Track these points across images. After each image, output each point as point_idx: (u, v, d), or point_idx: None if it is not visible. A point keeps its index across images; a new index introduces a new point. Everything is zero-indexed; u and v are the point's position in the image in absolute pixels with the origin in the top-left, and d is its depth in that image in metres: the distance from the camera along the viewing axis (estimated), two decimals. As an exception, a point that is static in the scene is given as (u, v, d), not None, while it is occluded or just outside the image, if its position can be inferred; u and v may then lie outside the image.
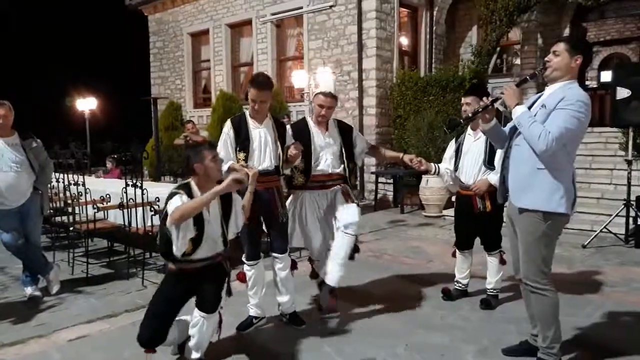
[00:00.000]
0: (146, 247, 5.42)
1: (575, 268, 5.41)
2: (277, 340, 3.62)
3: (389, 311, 4.16)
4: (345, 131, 4.04)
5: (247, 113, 3.69)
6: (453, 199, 8.84)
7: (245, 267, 3.75)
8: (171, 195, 2.96)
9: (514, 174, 3.01)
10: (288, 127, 3.97)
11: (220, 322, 3.25)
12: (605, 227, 6.44)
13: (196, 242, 2.98)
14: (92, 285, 4.97)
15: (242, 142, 3.59)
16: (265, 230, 3.80)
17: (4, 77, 18.13)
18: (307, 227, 3.94)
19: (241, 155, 3.58)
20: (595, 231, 6.53)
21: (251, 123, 3.65)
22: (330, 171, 3.90)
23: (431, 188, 8.77)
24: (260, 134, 3.64)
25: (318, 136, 3.91)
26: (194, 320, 3.12)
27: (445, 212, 8.77)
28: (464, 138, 4.20)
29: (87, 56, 21.05)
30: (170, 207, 2.86)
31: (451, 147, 4.34)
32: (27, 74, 19.88)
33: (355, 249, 3.96)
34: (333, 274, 3.76)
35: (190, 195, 2.97)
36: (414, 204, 9.67)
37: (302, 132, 3.90)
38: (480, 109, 3.08)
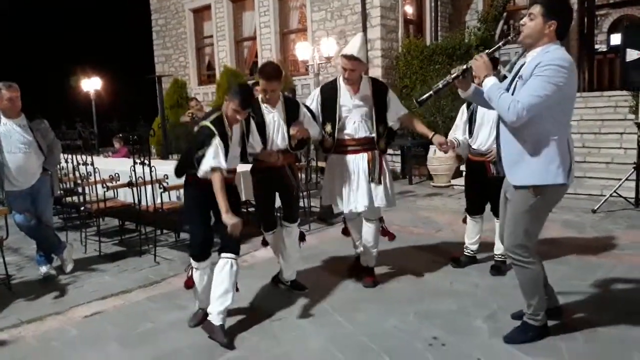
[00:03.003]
0: (157, 224, 5.48)
1: (585, 233, 5.41)
2: (288, 310, 3.67)
3: (398, 280, 4.20)
4: (378, 91, 3.99)
5: (260, 98, 3.76)
6: (462, 167, 8.86)
7: (266, 236, 4.00)
8: (208, 137, 3.21)
9: (505, 150, 2.90)
10: (317, 91, 4.06)
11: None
12: (615, 191, 6.40)
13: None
14: (106, 263, 5.04)
15: (258, 126, 3.70)
16: (280, 201, 3.96)
17: (7, 60, 18.10)
18: (337, 188, 4.00)
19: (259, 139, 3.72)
20: (605, 195, 6.50)
21: (265, 108, 3.76)
22: (357, 135, 3.93)
23: (439, 158, 8.73)
24: (273, 118, 3.75)
25: (345, 96, 3.93)
26: (220, 266, 3.33)
27: (453, 181, 8.75)
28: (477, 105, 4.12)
29: (90, 36, 20.90)
30: (213, 157, 3.16)
31: (463, 114, 4.27)
32: (30, 56, 19.82)
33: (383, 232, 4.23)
34: (367, 257, 4.14)
35: (222, 127, 3.29)
36: (422, 174, 9.65)
37: (329, 93, 3.98)
38: (450, 80, 3.03)
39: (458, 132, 4.28)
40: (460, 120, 4.30)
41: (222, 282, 3.30)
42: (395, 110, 4.01)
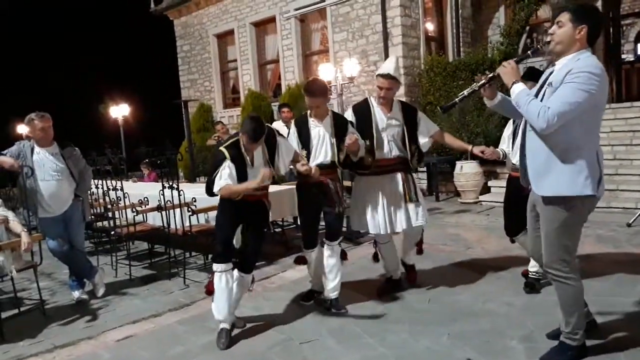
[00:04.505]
0: (186, 247, 5.52)
1: (621, 247, 5.25)
2: (316, 331, 3.63)
3: (429, 299, 4.12)
4: (408, 112, 4.08)
5: (308, 113, 3.95)
6: (489, 183, 8.72)
7: (305, 253, 4.09)
8: (219, 157, 3.46)
9: (532, 161, 2.84)
10: (349, 111, 4.15)
11: (253, 280, 3.84)
12: (650, 204, 6.22)
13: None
14: (136, 286, 5.10)
15: (304, 140, 3.92)
16: (323, 219, 4.04)
17: (40, 90, 18.72)
18: (370, 211, 4.04)
19: (304, 152, 3.90)
20: (640, 209, 6.32)
21: (311, 122, 3.93)
22: (391, 155, 4.01)
23: (466, 174, 8.63)
24: (319, 132, 3.90)
25: (379, 115, 4.02)
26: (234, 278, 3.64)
27: (481, 197, 8.62)
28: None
29: (118, 64, 21.51)
30: (218, 178, 3.41)
31: (509, 126, 4.19)
32: (61, 85, 20.47)
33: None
34: (410, 257, 4.47)
35: (237, 151, 3.47)
36: (449, 191, 9.54)
37: (363, 112, 4.06)
38: (477, 88, 3.01)
39: (504, 144, 4.19)
40: (506, 133, 4.22)
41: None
42: (427, 129, 4.09)
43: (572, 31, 2.66)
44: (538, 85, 2.88)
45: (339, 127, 3.90)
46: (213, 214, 5.37)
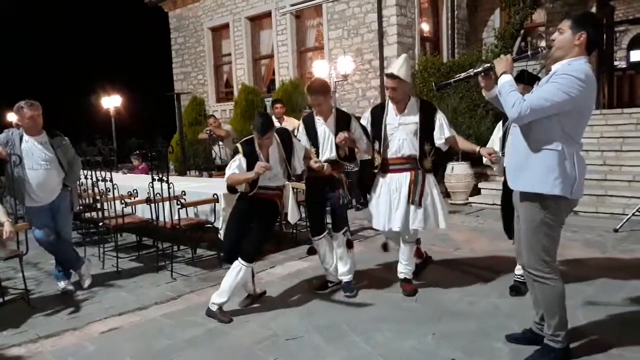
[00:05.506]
0: (174, 240, 5.50)
1: (607, 252, 5.29)
2: (303, 328, 3.63)
3: (416, 299, 4.13)
4: (426, 111, 4.06)
5: (314, 112, 4.21)
6: (480, 185, 8.76)
7: (314, 242, 4.31)
8: (234, 152, 3.87)
9: (511, 156, 2.95)
10: (368, 112, 4.30)
11: (253, 275, 4.05)
12: (637, 210, 6.27)
13: (252, 184, 3.79)
14: (123, 278, 5.06)
15: (311, 138, 4.18)
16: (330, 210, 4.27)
17: (30, 78, 18.54)
18: (376, 207, 4.16)
19: (313, 150, 4.13)
20: (627, 214, 6.36)
21: (317, 121, 4.18)
22: (400, 154, 4.06)
23: (457, 175, 8.66)
24: (324, 130, 4.14)
25: (391, 115, 4.09)
26: (232, 267, 3.79)
27: (471, 199, 8.66)
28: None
29: (111, 55, 21.34)
30: (228, 168, 3.79)
31: (499, 130, 4.22)
32: (53, 74, 20.28)
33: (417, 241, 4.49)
34: (404, 270, 4.31)
35: (251, 148, 3.79)
36: (439, 192, 9.55)
37: (377, 113, 4.19)
38: (472, 74, 3.10)
39: (496, 147, 4.22)
40: (496, 135, 4.26)
41: (225, 281, 3.80)
42: (440, 132, 4.05)
43: (571, 37, 2.73)
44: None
45: (340, 124, 4.05)
46: (202, 207, 5.38)
